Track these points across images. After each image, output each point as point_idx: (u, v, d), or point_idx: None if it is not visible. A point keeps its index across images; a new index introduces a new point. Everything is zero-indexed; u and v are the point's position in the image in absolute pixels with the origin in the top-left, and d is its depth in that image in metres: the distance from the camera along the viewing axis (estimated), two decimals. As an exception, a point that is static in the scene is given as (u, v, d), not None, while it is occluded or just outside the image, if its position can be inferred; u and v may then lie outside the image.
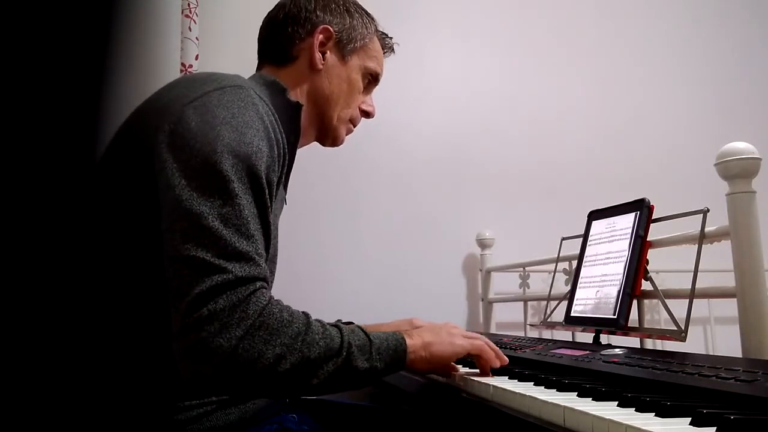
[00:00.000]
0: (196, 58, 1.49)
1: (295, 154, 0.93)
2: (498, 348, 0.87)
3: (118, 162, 0.77)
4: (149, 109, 0.79)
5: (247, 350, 0.63)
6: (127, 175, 0.74)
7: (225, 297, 0.63)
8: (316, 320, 0.72)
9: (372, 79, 1.03)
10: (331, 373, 0.69)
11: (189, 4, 1.49)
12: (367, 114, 1.05)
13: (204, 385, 0.66)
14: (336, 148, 1.08)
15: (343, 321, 1.14)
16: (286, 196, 0.99)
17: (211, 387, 0.66)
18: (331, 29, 0.95)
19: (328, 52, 0.96)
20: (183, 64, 1.47)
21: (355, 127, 1.05)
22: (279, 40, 0.96)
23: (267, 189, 0.73)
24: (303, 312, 0.71)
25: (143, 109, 0.80)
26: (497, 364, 0.85)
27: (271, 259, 0.88)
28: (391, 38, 1.06)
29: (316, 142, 1.05)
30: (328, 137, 1.02)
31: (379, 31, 1.04)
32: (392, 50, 1.08)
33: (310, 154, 1.18)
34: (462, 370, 0.91)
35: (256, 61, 1.01)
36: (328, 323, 0.73)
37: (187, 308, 0.63)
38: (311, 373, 0.67)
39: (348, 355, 0.70)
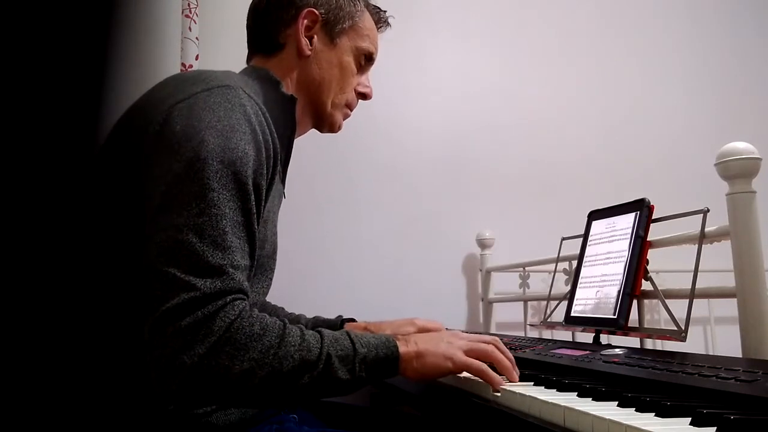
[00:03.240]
0: (196, 58, 1.49)
1: (291, 147, 0.92)
2: (508, 365, 0.77)
3: (109, 163, 0.76)
4: (139, 109, 0.78)
5: (211, 366, 0.62)
6: (116, 176, 0.74)
7: (191, 315, 0.62)
8: (297, 329, 0.69)
9: (366, 59, 0.98)
10: (307, 384, 0.67)
11: (189, 4, 1.49)
12: (363, 96, 1.01)
13: (171, 399, 0.66)
14: (336, 147, 1.08)
15: (345, 317, 1.14)
16: (284, 191, 0.98)
17: (179, 401, 0.66)
18: (316, 12, 0.92)
19: (315, 36, 0.93)
20: (183, 64, 1.47)
21: (352, 110, 1.01)
22: (265, 29, 0.94)
23: (254, 194, 0.71)
24: (281, 321, 0.69)
25: (134, 110, 0.79)
26: (498, 382, 0.74)
27: (270, 256, 0.87)
28: (384, 11, 1.02)
29: (314, 132, 1.03)
30: (325, 124, 0.99)
31: (371, 5, 1.00)
32: (387, 24, 1.03)
33: (310, 153, 1.18)
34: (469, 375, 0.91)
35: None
36: (313, 329, 0.71)
37: (153, 324, 0.63)
38: (285, 385, 0.66)
39: (326, 366, 0.67)
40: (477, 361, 0.76)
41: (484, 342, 0.78)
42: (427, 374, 0.75)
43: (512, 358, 0.79)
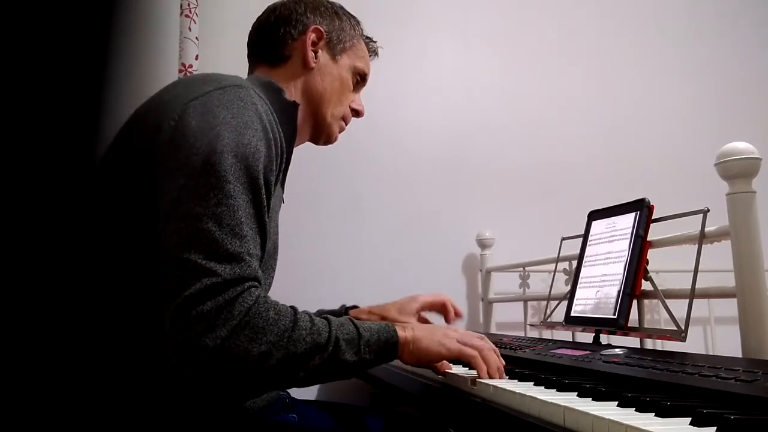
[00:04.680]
0: (196, 58, 1.49)
1: (292, 152, 0.94)
2: (498, 361, 0.84)
3: (120, 161, 0.77)
4: (149, 109, 0.79)
5: (232, 349, 0.64)
6: (128, 174, 0.75)
7: (212, 299, 0.64)
8: (306, 314, 0.73)
9: (360, 78, 1.06)
10: (318, 366, 0.70)
11: (189, 4, 1.49)
12: (357, 113, 1.07)
13: (192, 384, 0.67)
14: (337, 148, 1.09)
15: (348, 305, 1.16)
16: (284, 195, 1.00)
17: (200, 385, 0.67)
18: (322, 29, 0.98)
19: (320, 51, 0.99)
20: (183, 65, 1.47)
21: (347, 125, 1.07)
22: (271, 42, 0.99)
23: (264, 189, 0.73)
24: (291, 307, 0.72)
25: (143, 110, 0.81)
26: (495, 375, 0.82)
27: (271, 255, 0.88)
28: (375, 42, 1.10)
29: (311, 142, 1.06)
30: (322, 134, 1.03)
31: (364, 35, 1.08)
32: (376, 54, 1.11)
33: (310, 154, 1.18)
34: (462, 369, 0.91)
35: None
36: (319, 316, 0.74)
37: (176, 309, 0.65)
38: (298, 367, 0.69)
39: (335, 349, 0.71)
40: (470, 349, 0.82)
41: (470, 347, 0.83)
42: (421, 358, 0.81)
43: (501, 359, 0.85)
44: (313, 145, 1.07)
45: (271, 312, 0.68)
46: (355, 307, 1.16)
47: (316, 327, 0.71)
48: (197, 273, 0.65)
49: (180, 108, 0.72)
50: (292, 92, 0.97)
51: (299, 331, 0.69)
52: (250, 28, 1.03)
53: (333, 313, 1.13)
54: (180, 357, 0.64)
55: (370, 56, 1.09)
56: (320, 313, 1.13)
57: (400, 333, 0.78)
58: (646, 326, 1.11)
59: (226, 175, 0.69)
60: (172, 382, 0.67)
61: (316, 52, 0.98)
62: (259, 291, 0.69)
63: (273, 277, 0.91)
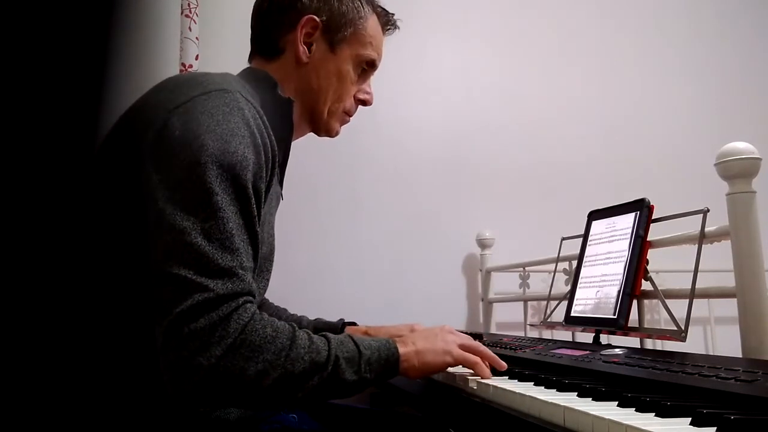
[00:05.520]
0: (196, 58, 1.48)
1: (289, 149, 0.92)
2: (494, 356, 0.85)
3: (107, 167, 0.76)
4: (136, 113, 0.77)
5: (227, 368, 0.63)
6: (115, 181, 0.73)
7: (206, 316, 0.62)
8: (304, 332, 0.71)
9: (368, 65, 0.97)
10: (317, 386, 0.68)
11: (189, 4, 1.49)
12: (363, 102, 1.00)
13: (187, 401, 0.66)
14: (337, 148, 1.08)
15: (346, 321, 1.14)
16: (282, 192, 0.98)
17: (194, 402, 0.66)
18: (316, 19, 0.90)
19: (315, 43, 0.91)
20: (183, 64, 1.47)
21: (351, 117, 1.00)
22: (266, 31, 0.93)
23: (254, 198, 0.71)
24: (290, 325, 0.70)
25: (131, 113, 0.79)
26: (488, 375, 0.82)
27: (267, 258, 0.87)
28: (392, 14, 1.00)
29: (312, 135, 1.02)
30: (321, 131, 0.99)
31: (378, 8, 0.98)
32: (395, 26, 1.01)
33: (310, 153, 1.18)
34: (464, 370, 0.91)
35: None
36: (318, 333, 0.73)
37: (168, 326, 0.63)
38: (296, 387, 0.67)
39: (335, 368, 0.69)
40: (472, 356, 0.82)
41: (470, 353, 0.83)
42: (427, 371, 0.79)
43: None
44: (313, 144, 1.06)
45: (268, 329, 0.66)
46: (353, 323, 1.14)
47: (315, 345, 0.69)
48: (188, 288, 0.63)
49: (164, 116, 0.70)
50: (286, 88, 0.92)
51: (297, 350, 0.67)
52: (250, 28, 1.02)
53: (331, 326, 1.12)
54: (173, 375, 0.63)
55: (388, 30, 0.99)
56: (318, 324, 1.14)
57: (402, 349, 0.76)
58: (646, 326, 1.11)
59: (213, 186, 0.66)
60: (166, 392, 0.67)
61: (310, 45, 0.91)
62: (254, 307, 0.67)
63: (269, 280, 0.90)
